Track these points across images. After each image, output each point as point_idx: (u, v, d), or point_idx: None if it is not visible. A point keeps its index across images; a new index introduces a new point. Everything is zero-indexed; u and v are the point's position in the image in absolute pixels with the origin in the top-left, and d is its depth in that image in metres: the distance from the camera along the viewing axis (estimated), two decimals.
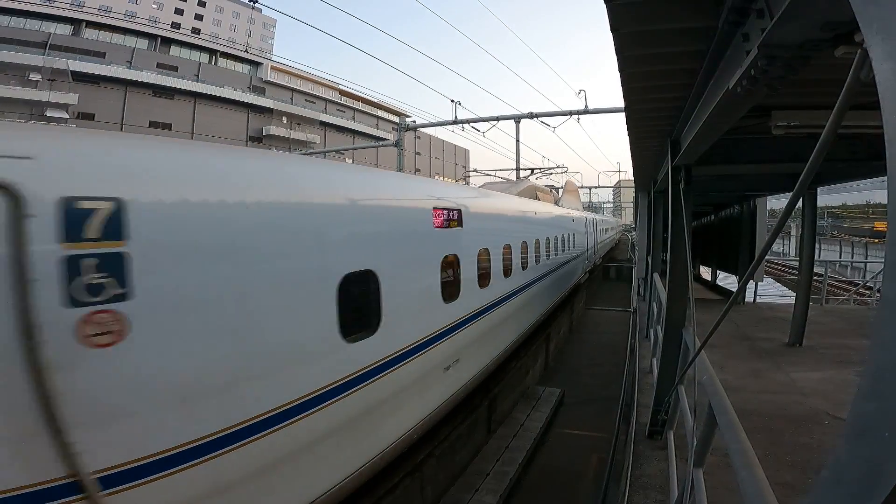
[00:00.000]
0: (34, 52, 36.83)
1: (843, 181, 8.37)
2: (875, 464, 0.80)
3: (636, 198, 17.02)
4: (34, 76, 36.33)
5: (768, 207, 12.75)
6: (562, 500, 7.32)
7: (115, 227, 2.58)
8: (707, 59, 2.78)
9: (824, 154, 1.44)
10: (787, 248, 36.72)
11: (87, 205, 2.51)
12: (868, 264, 23.01)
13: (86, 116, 37.65)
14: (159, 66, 45.13)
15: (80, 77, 37.79)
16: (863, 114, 2.82)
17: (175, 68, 46.23)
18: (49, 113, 35.72)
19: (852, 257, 31.16)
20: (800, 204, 8.15)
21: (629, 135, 5.77)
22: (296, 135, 52.25)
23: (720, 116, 2.99)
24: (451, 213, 6.25)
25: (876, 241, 33.35)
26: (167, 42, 48.24)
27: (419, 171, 63.48)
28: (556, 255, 13.12)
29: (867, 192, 43.87)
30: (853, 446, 0.87)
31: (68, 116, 36.68)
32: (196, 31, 51.77)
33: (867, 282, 16.30)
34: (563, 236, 14.29)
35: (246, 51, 49.14)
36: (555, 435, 9.29)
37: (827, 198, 44.15)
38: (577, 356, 14.46)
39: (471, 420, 7.49)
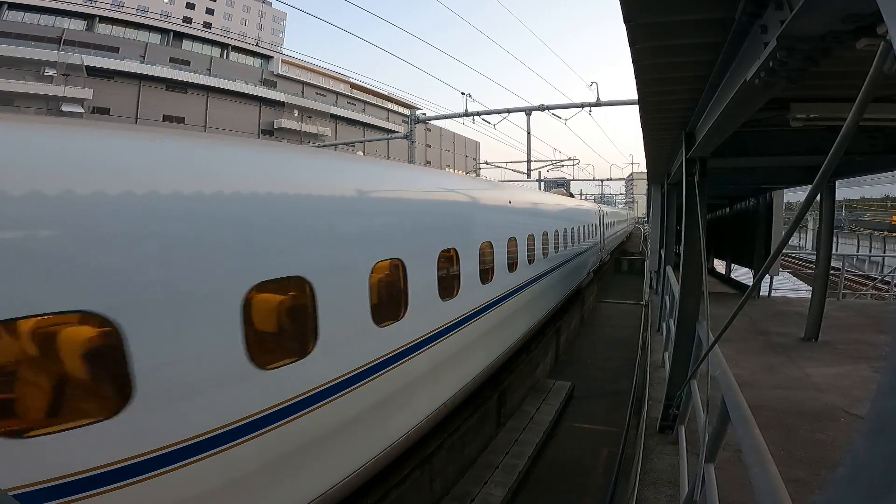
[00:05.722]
0: (49, 48, 37.27)
1: (862, 174, 8.21)
2: (895, 462, 0.79)
3: (649, 190, 16.90)
4: (49, 71, 36.76)
5: (784, 200, 12.57)
6: (571, 494, 7.34)
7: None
8: (723, 51, 2.73)
9: (845, 147, 1.42)
10: (803, 242, 36.16)
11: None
12: (886, 258, 22.62)
13: (101, 111, 38.08)
14: (172, 60, 45.51)
15: (94, 72, 38.16)
16: (884, 106, 2.77)
17: (187, 62, 46.61)
18: (65, 108, 36.20)
19: (870, 251, 30.62)
20: (817, 197, 8.02)
21: (643, 127, 5.70)
22: (307, 128, 52.45)
23: (737, 109, 2.93)
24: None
25: (894, 234, 32.69)
26: (179, 36, 48.60)
27: (430, 163, 63.38)
28: (616, 226, 34.06)
29: (886, 186, 42.90)
30: (872, 444, 0.86)
31: (84, 111, 37.15)
32: (207, 25, 52.08)
33: (885, 276, 16.03)
34: (616, 220, 35.24)
35: (257, 44, 49.41)
36: (564, 428, 9.31)
37: (845, 191, 43.30)
38: (588, 349, 14.45)
39: (480, 413, 7.52)
